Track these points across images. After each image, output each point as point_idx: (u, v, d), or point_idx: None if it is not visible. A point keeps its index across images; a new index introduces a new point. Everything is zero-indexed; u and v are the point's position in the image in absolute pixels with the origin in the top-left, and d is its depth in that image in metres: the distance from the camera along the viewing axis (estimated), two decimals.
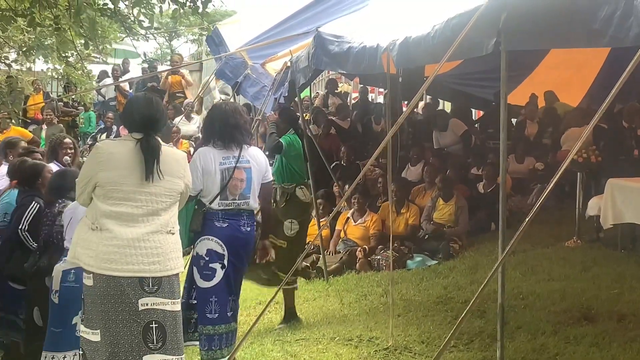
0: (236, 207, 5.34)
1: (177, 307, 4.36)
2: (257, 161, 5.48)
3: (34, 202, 5.93)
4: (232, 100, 9.89)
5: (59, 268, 5.25)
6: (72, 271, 5.09)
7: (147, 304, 4.18)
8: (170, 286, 4.29)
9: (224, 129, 5.36)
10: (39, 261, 5.68)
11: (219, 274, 5.27)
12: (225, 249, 5.27)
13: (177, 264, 4.38)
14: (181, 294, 5.27)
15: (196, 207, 5.36)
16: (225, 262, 5.28)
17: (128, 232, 4.16)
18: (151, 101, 4.48)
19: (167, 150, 4.43)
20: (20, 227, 5.83)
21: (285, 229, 6.72)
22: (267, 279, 6.73)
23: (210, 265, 5.27)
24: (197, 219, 5.33)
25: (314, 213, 9.00)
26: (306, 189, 6.91)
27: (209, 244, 5.28)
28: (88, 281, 4.20)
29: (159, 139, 4.38)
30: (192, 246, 5.40)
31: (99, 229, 4.17)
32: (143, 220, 4.22)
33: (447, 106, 14.40)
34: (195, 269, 5.33)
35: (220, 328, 5.30)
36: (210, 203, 5.29)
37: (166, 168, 4.31)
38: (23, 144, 7.50)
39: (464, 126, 11.46)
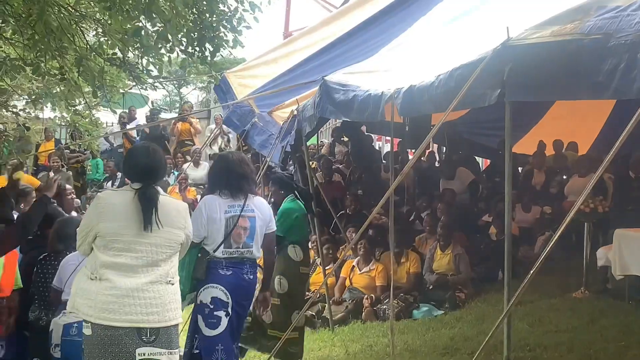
0: (239, 255, 5.36)
1: (175, 357, 4.32)
2: (261, 211, 5.51)
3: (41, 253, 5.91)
4: (239, 148, 9.93)
5: (58, 322, 5.21)
6: (75, 325, 5.05)
7: (144, 354, 4.15)
8: (167, 336, 4.25)
9: (230, 179, 5.40)
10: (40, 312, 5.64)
11: (224, 321, 5.28)
12: (230, 297, 5.28)
13: (176, 315, 4.35)
14: (183, 344, 5.27)
15: (199, 255, 5.35)
16: (230, 309, 5.28)
17: (127, 282, 4.15)
18: (149, 150, 4.46)
19: (168, 201, 4.43)
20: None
21: (275, 285, 6.64)
22: (270, 346, 6.69)
23: (215, 313, 5.27)
24: (200, 266, 5.33)
25: (318, 260, 8.98)
26: (299, 248, 6.80)
27: (213, 291, 5.29)
28: (87, 330, 4.17)
29: (159, 189, 4.38)
30: (195, 293, 5.38)
31: (98, 279, 4.15)
32: (143, 271, 4.20)
33: None
34: (199, 317, 5.32)
35: None
36: (214, 251, 5.30)
37: (166, 219, 4.29)
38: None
39: (472, 175, 11.43)
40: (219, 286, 5.28)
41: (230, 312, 5.28)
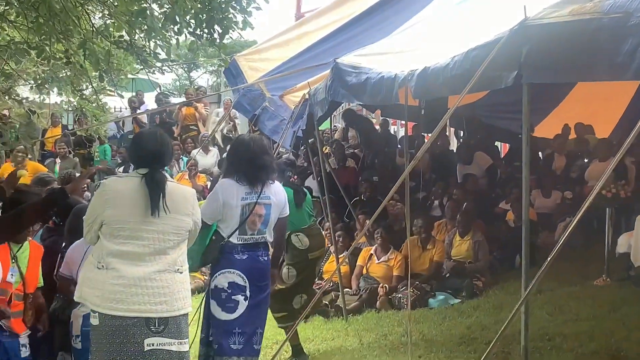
0: (254, 241, 5.34)
1: (184, 347, 4.30)
2: (277, 197, 5.48)
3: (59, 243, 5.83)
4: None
5: (77, 312, 5.16)
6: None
7: (152, 344, 4.13)
8: (177, 326, 4.23)
9: (250, 169, 5.34)
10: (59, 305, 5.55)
11: (242, 305, 5.25)
12: (247, 281, 5.26)
13: (185, 304, 4.31)
14: (199, 331, 5.37)
15: (213, 237, 5.35)
16: (248, 293, 5.26)
17: (134, 271, 4.11)
18: (156, 135, 4.44)
19: (175, 187, 4.39)
20: (55, 273, 5.69)
21: (284, 276, 6.64)
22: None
23: (233, 297, 5.25)
24: (213, 250, 5.31)
25: (332, 248, 8.86)
26: (303, 235, 6.73)
27: (230, 276, 5.26)
28: (94, 320, 4.14)
29: (165, 174, 4.33)
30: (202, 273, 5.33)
31: (105, 268, 4.12)
32: (150, 259, 4.17)
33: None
34: (214, 302, 5.29)
35: None
36: (228, 237, 5.28)
37: (173, 205, 4.25)
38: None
39: (490, 160, 11.25)
40: (236, 271, 5.26)
41: (248, 296, 5.26)
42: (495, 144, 13.45)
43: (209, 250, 5.33)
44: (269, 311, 6.04)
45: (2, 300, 4.95)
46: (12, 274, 4.96)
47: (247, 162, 5.35)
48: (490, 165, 11.18)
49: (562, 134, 11.31)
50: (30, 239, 5.24)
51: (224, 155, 13.67)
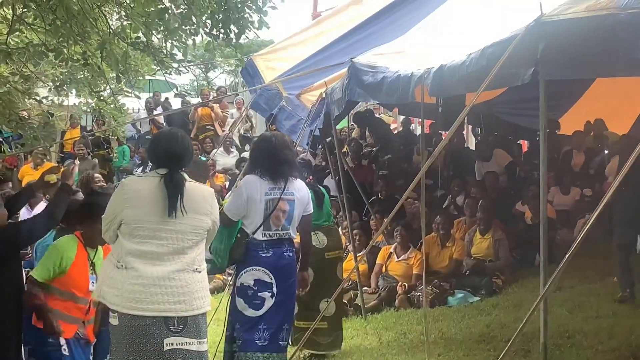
0: (278, 237, 5.38)
1: (203, 347, 4.29)
2: (300, 194, 5.52)
3: None
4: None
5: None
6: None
7: (172, 344, 4.12)
8: (196, 326, 4.23)
9: (271, 162, 5.39)
10: None
11: (269, 302, 5.31)
12: (273, 278, 5.31)
13: (204, 303, 4.31)
14: (224, 329, 5.48)
15: (238, 235, 5.40)
16: (275, 290, 5.31)
17: (153, 270, 4.12)
18: (176, 136, 4.43)
19: (194, 187, 4.38)
20: None
21: None
22: (298, 337, 6.62)
23: (260, 294, 5.31)
24: (239, 248, 5.37)
25: (350, 247, 8.85)
26: (322, 234, 6.77)
27: (256, 274, 5.32)
28: (114, 320, 4.15)
29: (184, 175, 4.33)
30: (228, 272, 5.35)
31: (124, 267, 4.13)
32: (169, 259, 4.17)
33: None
34: (241, 300, 5.34)
35: (271, 357, 5.31)
36: (253, 233, 5.32)
37: (191, 205, 4.25)
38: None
39: (509, 157, 11.18)
40: (261, 268, 5.32)
41: (275, 293, 5.31)
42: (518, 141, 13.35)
43: (236, 248, 5.39)
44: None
45: (82, 309, 5.02)
46: (92, 282, 4.99)
47: (268, 157, 5.40)
48: (509, 163, 11.11)
49: (584, 131, 11.21)
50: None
51: (242, 154, 13.75)
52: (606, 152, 10.63)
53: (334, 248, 6.95)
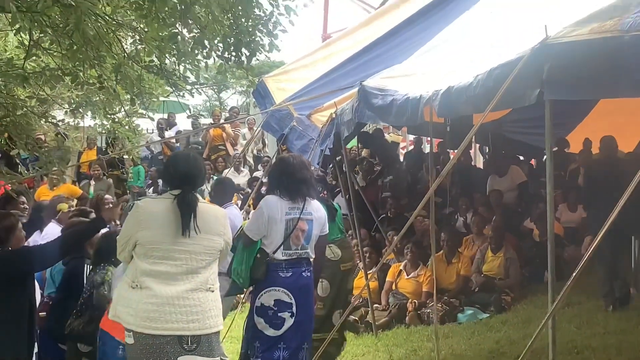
0: (298, 256, 5.46)
1: None
2: (318, 214, 5.61)
3: (85, 264, 6.00)
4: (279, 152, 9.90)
5: None
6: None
7: None
8: (209, 344, 4.28)
9: (290, 182, 5.48)
10: (73, 323, 5.68)
11: (289, 321, 5.39)
12: (293, 298, 5.38)
13: (217, 322, 4.37)
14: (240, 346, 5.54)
15: (258, 255, 5.45)
16: (294, 310, 5.38)
17: (168, 290, 4.18)
18: (189, 158, 4.52)
19: (207, 207, 4.46)
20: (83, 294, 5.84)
21: (319, 290, 6.67)
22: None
23: (280, 314, 5.39)
24: (260, 268, 5.43)
25: (361, 264, 8.90)
26: (336, 247, 6.80)
27: (275, 294, 5.40)
28: (129, 339, 4.21)
29: (198, 196, 4.40)
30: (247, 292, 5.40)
31: (139, 287, 4.20)
32: (182, 279, 4.23)
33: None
34: (261, 320, 5.41)
35: None
36: (273, 253, 5.39)
37: (204, 225, 4.32)
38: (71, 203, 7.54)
39: (524, 176, 11.18)
40: (281, 289, 5.40)
41: (294, 313, 5.38)
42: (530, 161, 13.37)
43: (257, 267, 5.43)
44: None
45: None
46: None
47: (287, 177, 5.50)
48: (523, 182, 11.11)
49: (584, 148, 11.25)
50: None
51: (254, 174, 13.83)
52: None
53: (348, 259, 7.00)
